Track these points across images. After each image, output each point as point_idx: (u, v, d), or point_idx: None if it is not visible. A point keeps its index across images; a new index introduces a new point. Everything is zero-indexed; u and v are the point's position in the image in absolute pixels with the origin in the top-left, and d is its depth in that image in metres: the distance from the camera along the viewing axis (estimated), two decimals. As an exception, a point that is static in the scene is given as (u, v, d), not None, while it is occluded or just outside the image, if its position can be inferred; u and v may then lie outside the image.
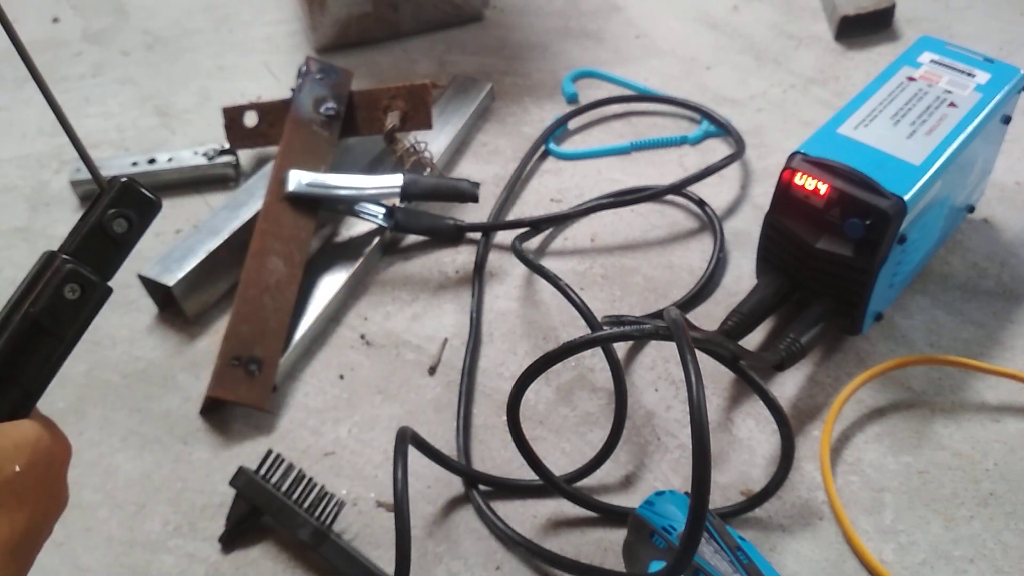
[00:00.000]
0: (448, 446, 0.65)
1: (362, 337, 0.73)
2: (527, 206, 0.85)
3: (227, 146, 0.87)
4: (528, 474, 0.60)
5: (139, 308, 0.76)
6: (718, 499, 0.61)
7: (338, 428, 0.67)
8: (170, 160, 0.87)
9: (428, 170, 0.84)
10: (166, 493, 0.63)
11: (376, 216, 0.78)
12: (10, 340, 0.36)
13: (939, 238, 0.74)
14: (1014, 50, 0.99)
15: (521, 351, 0.72)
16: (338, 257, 0.78)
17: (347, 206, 0.79)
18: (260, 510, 0.59)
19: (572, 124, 0.93)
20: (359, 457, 0.65)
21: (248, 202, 0.79)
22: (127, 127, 0.96)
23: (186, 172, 0.87)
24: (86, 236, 0.38)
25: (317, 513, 0.59)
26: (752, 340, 0.70)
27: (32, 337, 0.36)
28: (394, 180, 0.77)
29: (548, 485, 0.60)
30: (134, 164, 0.87)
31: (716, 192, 0.84)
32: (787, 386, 0.68)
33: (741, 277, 0.76)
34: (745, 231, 0.80)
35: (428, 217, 0.80)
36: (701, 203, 0.82)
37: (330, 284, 0.75)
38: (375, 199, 0.78)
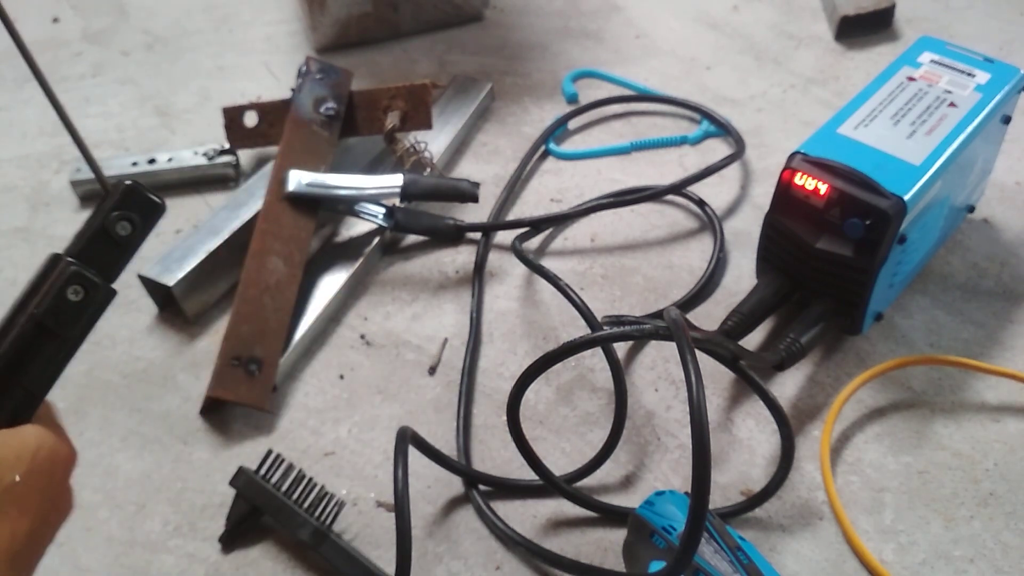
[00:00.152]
0: (448, 446, 0.65)
1: (362, 337, 0.73)
2: (527, 206, 0.85)
3: (227, 146, 0.87)
4: (528, 474, 0.60)
5: (139, 308, 0.76)
6: (718, 499, 0.61)
7: (338, 428, 0.67)
8: (170, 160, 0.87)
9: (428, 170, 0.84)
10: (166, 493, 0.63)
11: (376, 216, 0.78)
12: (14, 342, 0.36)
13: (939, 238, 0.74)
14: (1014, 50, 1.00)
15: (521, 351, 0.72)
16: (338, 257, 0.78)
17: (347, 206, 0.79)
18: (260, 510, 0.59)
19: (572, 124, 0.93)
20: (359, 457, 0.65)
21: (248, 202, 0.79)
22: (127, 127, 0.96)
23: (186, 172, 0.87)
24: (90, 239, 0.38)
25: (317, 513, 0.59)
26: (752, 340, 0.70)
27: (36, 339, 0.37)
28: (394, 180, 0.77)
29: (548, 485, 0.60)
30: (134, 164, 0.87)
31: (716, 192, 0.84)
32: (787, 386, 0.68)
33: (741, 277, 0.76)
34: (745, 231, 0.80)
35: (428, 217, 0.80)
36: (701, 203, 0.82)
37: (330, 284, 0.75)
38: (375, 199, 0.78)
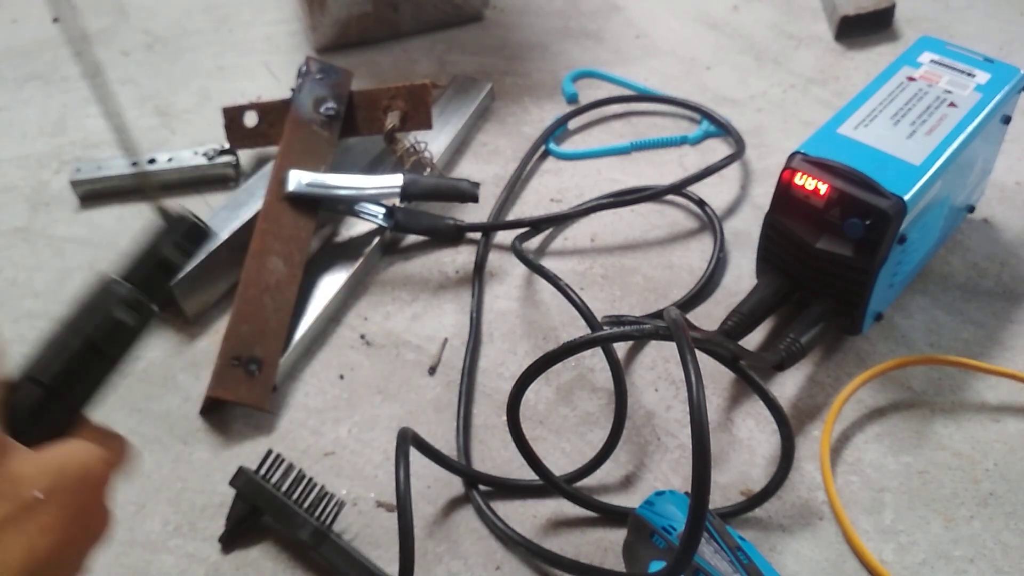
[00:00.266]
0: (448, 446, 0.65)
1: (362, 337, 0.73)
2: (527, 206, 0.85)
3: (227, 146, 0.87)
4: (528, 474, 0.60)
5: (139, 308, 0.76)
6: (718, 499, 0.61)
7: (338, 428, 0.67)
8: (170, 160, 0.87)
9: (428, 170, 0.84)
10: (166, 493, 0.63)
11: (376, 216, 0.78)
12: (70, 361, 0.37)
13: (939, 238, 0.74)
14: (1014, 50, 1.00)
15: (521, 351, 0.72)
16: (338, 257, 0.78)
17: (347, 206, 0.79)
18: (260, 510, 0.59)
19: (572, 124, 0.93)
20: (359, 457, 0.65)
21: (248, 202, 0.79)
22: (127, 127, 0.96)
23: (186, 172, 0.87)
24: (152, 267, 0.40)
25: (317, 513, 0.59)
26: (752, 340, 0.70)
27: (87, 358, 0.38)
28: (394, 180, 0.77)
29: (548, 485, 0.60)
30: (134, 164, 0.87)
31: (716, 192, 0.84)
32: (787, 386, 0.68)
33: (741, 277, 0.76)
34: (745, 231, 0.80)
35: (428, 217, 0.80)
36: (701, 203, 0.82)
37: (330, 284, 0.75)
38: (375, 199, 0.78)
